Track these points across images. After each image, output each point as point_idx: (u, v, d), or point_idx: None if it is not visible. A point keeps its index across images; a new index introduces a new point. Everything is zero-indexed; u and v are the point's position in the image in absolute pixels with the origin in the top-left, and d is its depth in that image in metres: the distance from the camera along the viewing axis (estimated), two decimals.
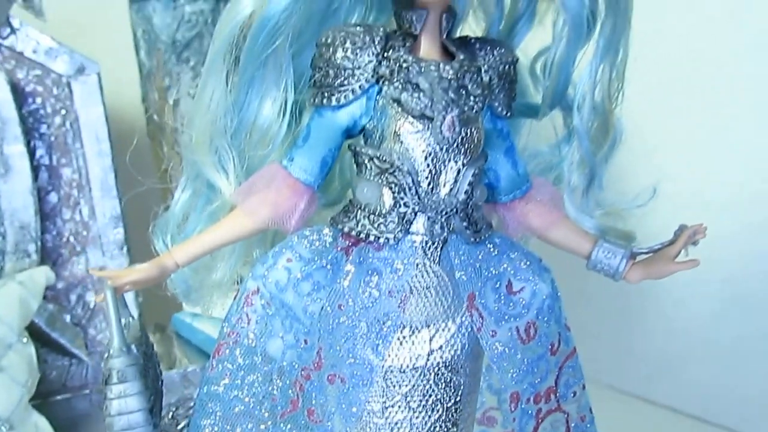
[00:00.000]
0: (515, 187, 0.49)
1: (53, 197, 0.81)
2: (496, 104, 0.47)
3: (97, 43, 0.84)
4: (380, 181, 0.45)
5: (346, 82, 0.44)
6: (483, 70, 0.46)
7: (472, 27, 0.53)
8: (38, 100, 0.79)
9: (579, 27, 0.48)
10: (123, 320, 0.47)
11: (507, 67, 0.47)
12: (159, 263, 0.47)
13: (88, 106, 0.80)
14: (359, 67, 0.44)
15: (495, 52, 0.46)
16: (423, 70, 0.43)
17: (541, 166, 0.56)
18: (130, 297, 0.89)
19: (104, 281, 0.46)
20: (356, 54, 0.44)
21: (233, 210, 0.48)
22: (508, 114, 0.48)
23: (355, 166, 0.47)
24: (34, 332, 0.77)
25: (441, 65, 0.44)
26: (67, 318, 0.84)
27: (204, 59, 0.81)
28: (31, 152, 0.79)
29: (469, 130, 0.44)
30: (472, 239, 0.46)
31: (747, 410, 0.90)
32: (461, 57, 0.45)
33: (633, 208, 0.54)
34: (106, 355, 0.46)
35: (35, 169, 0.80)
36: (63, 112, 0.79)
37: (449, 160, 0.44)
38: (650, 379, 1.00)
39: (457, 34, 0.50)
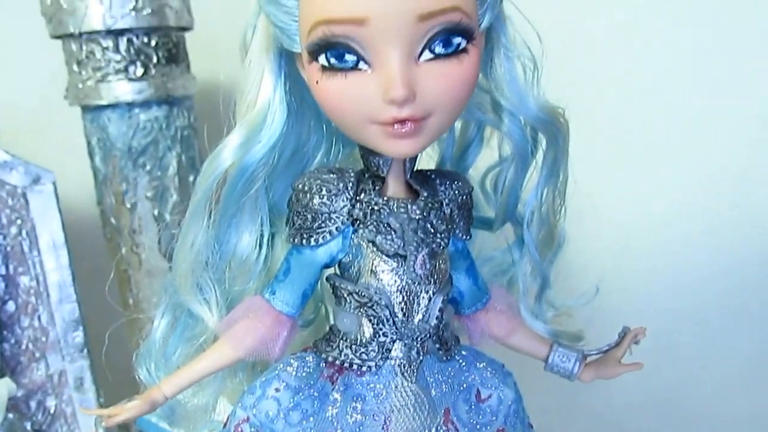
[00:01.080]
0: (477, 300, 0.54)
1: (11, 306, 0.81)
2: (457, 231, 0.51)
3: (50, 150, 0.84)
4: (359, 313, 0.48)
5: (323, 225, 0.47)
6: (445, 204, 0.50)
7: (427, 151, 0.58)
8: None
9: (524, 156, 0.53)
10: None
11: (465, 197, 0.51)
12: (149, 398, 0.49)
13: (44, 214, 0.80)
14: (335, 212, 0.47)
15: (453, 186, 0.50)
16: (393, 210, 0.47)
17: (495, 270, 0.61)
18: (90, 396, 0.89)
19: (97, 420, 0.48)
20: (332, 200, 0.47)
21: (217, 340, 0.50)
22: (468, 237, 0.52)
23: (333, 297, 0.50)
24: None
25: (409, 206, 0.48)
26: (28, 425, 0.83)
27: (160, 163, 0.84)
28: None
29: (437, 263, 0.48)
30: (444, 358, 0.50)
31: None
32: (425, 194, 0.49)
33: (580, 306, 0.60)
34: None
35: None
36: (19, 222, 0.79)
37: (421, 291, 0.48)
38: (594, 430, 1.06)
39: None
